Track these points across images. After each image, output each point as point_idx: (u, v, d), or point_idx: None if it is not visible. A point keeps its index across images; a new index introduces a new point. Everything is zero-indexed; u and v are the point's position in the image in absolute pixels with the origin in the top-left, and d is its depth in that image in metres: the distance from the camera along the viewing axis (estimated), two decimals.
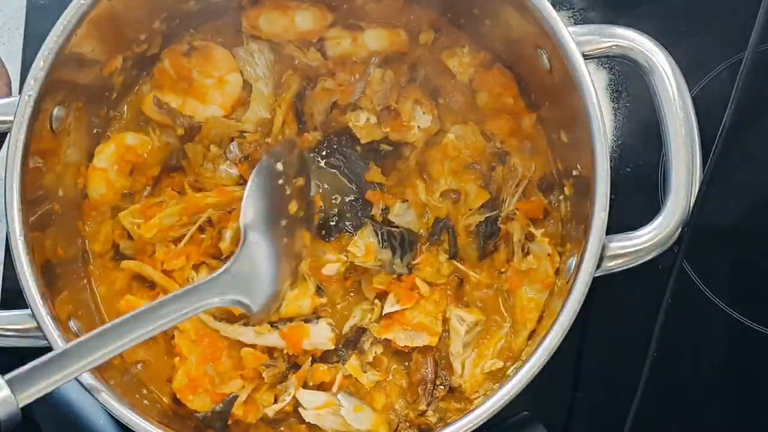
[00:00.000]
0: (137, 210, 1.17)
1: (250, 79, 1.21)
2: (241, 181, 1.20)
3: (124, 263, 1.18)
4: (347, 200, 1.23)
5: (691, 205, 1.02)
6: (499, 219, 1.18)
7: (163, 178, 1.21)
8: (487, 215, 1.18)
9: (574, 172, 1.11)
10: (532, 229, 1.16)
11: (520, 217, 1.17)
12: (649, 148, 1.29)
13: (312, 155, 1.23)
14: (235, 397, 1.10)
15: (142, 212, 1.17)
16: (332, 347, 1.14)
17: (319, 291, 1.17)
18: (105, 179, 1.18)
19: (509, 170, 1.18)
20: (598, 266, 1.00)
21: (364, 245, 1.17)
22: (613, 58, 1.07)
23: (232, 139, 1.20)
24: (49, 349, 0.99)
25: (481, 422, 0.98)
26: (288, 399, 1.11)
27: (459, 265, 1.18)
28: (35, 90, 1.02)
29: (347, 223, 1.22)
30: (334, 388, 1.13)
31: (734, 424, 1.25)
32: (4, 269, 1.29)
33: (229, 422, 1.12)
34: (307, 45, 1.21)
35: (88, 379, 0.99)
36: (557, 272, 1.14)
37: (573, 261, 1.05)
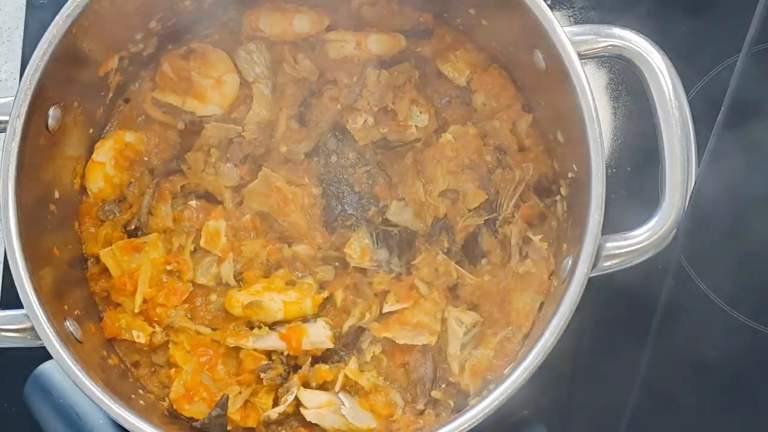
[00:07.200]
0: (120, 247, 1.17)
1: (249, 78, 1.22)
2: (242, 182, 1.21)
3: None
4: (350, 197, 1.24)
5: (686, 205, 1.02)
6: (497, 222, 1.18)
7: (163, 181, 1.21)
8: (486, 218, 1.19)
9: (570, 174, 1.11)
10: (530, 234, 1.16)
11: (519, 221, 1.17)
12: (650, 147, 1.29)
13: (316, 158, 1.24)
14: (227, 398, 1.11)
15: (125, 251, 1.17)
16: (332, 345, 1.15)
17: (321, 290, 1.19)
18: (103, 173, 1.19)
19: (507, 171, 1.19)
20: (594, 266, 1.00)
21: (359, 247, 1.17)
22: (609, 58, 1.07)
23: (230, 141, 1.21)
24: (45, 349, 1.00)
25: (478, 422, 0.99)
26: (290, 399, 1.12)
27: (456, 266, 1.18)
28: (31, 90, 1.03)
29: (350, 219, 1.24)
30: (337, 387, 1.13)
31: (733, 422, 1.25)
32: (3, 269, 1.30)
33: (229, 428, 1.12)
34: (311, 46, 1.22)
35: (86, 380, 1.00)
36: (552, 274, 1.14)
37: (569, 261, 1.05)
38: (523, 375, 0.98)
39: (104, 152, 1.19)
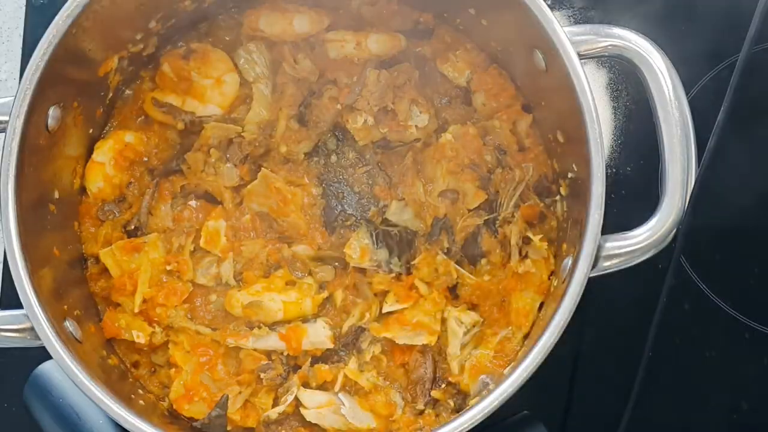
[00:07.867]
0: (120, 247, 1.17)
1: (250, 78, 1.22)
2: (242, 182, 1.21)
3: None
4: (350, 197, 1.24)
5: (686, 205, 1.02)
6: (497, 222, 1.18)
7: (163, 181, 1.21)
8: (486, 218, 1.19)
9: (570, 174, 1.11)
10: (529, 233, 1.16)
11: (519, 221, 1.17)
12: (650, 147, 1.28)
13: (316, 158, 1.24)
14: (227, 398, 1.11)
15: (125, 251, 1.17)
16: (332, 345, 1.15)
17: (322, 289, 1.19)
18: (102, 173, 1.19)
19: (507, 171, 1.19)
20: (594, 266, 1.00)
21: (359, 247, 1.17)
22: (609, 58, 1.07)
23: (230, 141, 1.21)
24: (45, 349, 1.00)
25: (478, 421, 0.99)
26: (290, 399, 1.12)
27: (456, 266, 1.18)
28: (31, 90, 1.02)
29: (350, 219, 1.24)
30: (336, 387, 1.13)
31: (731, 423, 1.25)
32: (3, 269, 1.30)
33: (229, 428, 1.12)
34: (311, 46, 1.22)
35: (86, 380, 1.00)
36: (552, 274, 1.14)
37: (569, 261, 1.05)
38: (523, 375, 0.98)
39: (104, 152, 1.19)
